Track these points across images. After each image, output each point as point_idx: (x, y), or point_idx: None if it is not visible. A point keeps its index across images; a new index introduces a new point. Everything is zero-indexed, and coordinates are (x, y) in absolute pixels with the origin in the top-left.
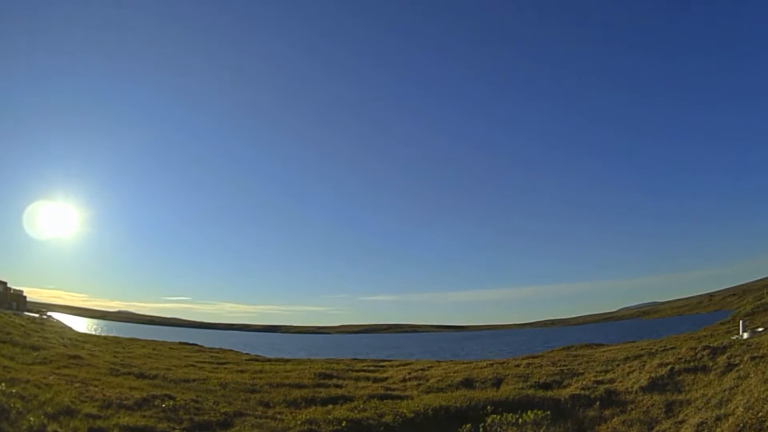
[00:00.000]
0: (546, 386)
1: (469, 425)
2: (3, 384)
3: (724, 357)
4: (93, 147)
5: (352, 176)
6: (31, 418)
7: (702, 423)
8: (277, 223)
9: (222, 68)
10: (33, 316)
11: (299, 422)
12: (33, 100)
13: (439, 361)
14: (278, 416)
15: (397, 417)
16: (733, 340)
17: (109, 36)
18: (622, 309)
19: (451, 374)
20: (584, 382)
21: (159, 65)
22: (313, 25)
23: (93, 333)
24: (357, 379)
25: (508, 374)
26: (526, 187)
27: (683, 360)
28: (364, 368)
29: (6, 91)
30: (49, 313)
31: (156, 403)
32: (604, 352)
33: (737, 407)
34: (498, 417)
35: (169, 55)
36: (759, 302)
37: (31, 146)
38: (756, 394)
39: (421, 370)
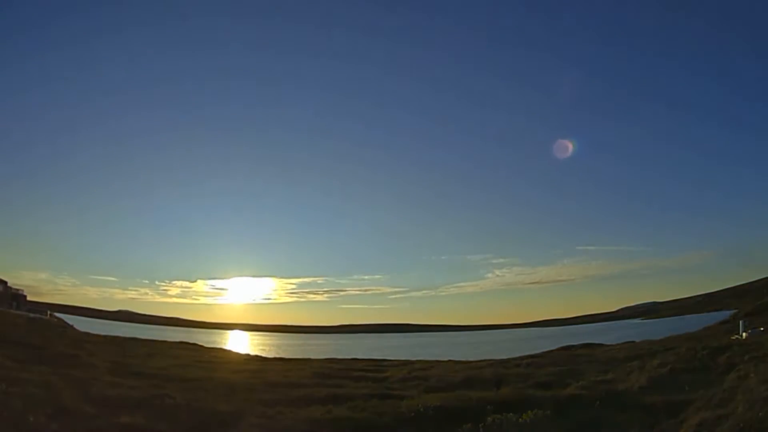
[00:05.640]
0: (546, 386)
1: (469, 425)
2: (3, 384)
3: (724, 357)
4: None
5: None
6: (31, 418)
7: (702, 423)
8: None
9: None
10: (33, 316)
11: (299, 422)
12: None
13: (439, 361)
14: (278, 416)
15: (397, 417)
16: (733, 340)
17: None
18: (622, 309)
19: (451, 374)
20: (584, 382)
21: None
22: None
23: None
24: (357, 378)
25: (508, 374)
26: (527, 186)
27: (683, 360)
28: (364, 368)
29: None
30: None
31: (155, 402)
32: (604, 352)
33: (737, 407)
34: (498, 417)
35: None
36: (759, 302)
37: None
38: (756, 394)
39: (421, 369)
